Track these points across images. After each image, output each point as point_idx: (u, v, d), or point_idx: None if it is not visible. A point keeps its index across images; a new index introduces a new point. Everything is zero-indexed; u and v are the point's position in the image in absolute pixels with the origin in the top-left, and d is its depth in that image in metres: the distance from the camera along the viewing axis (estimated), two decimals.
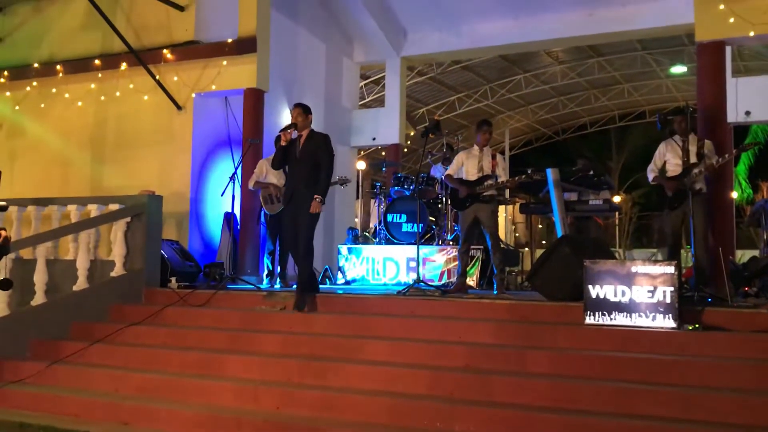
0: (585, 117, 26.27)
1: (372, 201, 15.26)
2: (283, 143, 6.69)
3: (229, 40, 9.67)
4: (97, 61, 10.23)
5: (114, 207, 7.76)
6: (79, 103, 10.45)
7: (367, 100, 19.21)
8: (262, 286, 8.14)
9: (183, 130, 9.87)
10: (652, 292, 5.44)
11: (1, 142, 11.13)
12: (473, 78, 20.40)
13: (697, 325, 5.33)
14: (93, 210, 7.83)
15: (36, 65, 10.78)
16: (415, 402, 5.03)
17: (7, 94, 11.08)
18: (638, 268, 5.55)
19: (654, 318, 5.41)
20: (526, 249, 14.52)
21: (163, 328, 6.84)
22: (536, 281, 6.55)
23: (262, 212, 8.51)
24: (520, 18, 11.88)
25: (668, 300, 5.38)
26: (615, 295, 5.55)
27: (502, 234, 12.37)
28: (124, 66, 10.00)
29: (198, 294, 7.38)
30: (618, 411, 4.59)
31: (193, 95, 9.81)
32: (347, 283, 9.28)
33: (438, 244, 9.09)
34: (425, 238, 9.24)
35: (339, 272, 9.51)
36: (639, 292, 5.48)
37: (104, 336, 6.68)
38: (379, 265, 9.22)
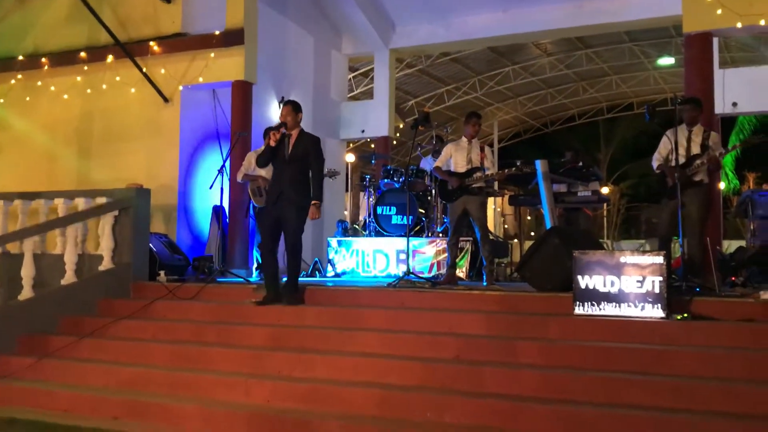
0: (573, 109, 26.34)
1: (362, 193, 15.27)
2: (272, 143, 6.52)
3: (217, 33, 9.62)
4: (83, 54, 10.15)
5: (102, 200, 7.70)
6: (65, 96, 10.37)
7: (356, 92, 19.18)
8: (251, 279, 8.12)
9: (170, 123, 9.82)
10: (641, 282, 5.46)
11: None
12: (462, 70, 20.40)
13: (685, 315, 5.36)
14: (80, 204, 7.78)
15: (21, 58, 10.67)
16: (406, 393, 5.03)
17: None
18: (627, 258, 5.58)
19: (643, 308, 5.44)
20: (515, 240, 14.55)
21: (152, 322, 6.81)
22: (526, 272, 6.57)
23: (251, 205, 8.48)
24: (510, 10, 11.88)
25: (657, 290, 5.40)
26: (604, 286, 5.57)
27: (491, 225, 12.42)
28: (110, 59, 9.92)
29: (187, 287, 7.36)
30: (607, 401, 4.61)
31: (181, 88, 9.75)
32: (337, 275, 9.28)
33: (428, 236, 9.10)
34: (415, 230, 9.25)
35: (329, 265, 9.50)
36: (628, 283, 5.50)
37: (93, 330, 6.65)
38: (369, 258, 9.23)
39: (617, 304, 5.52)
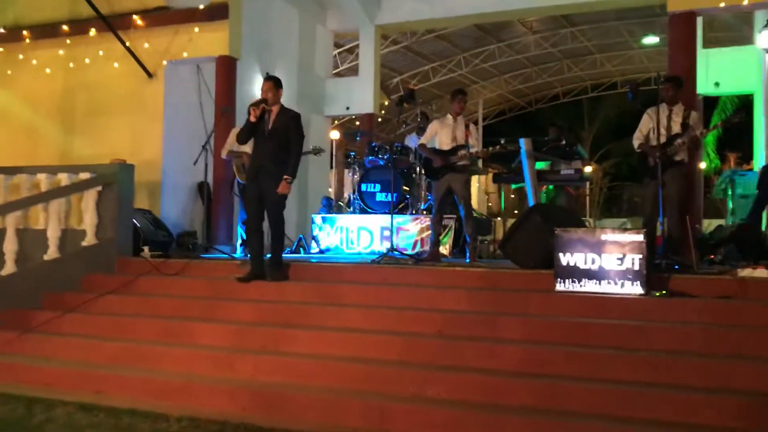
0: (558, 87, 26.36)
1: (345, 170, 15.27)
2: (252, 119, 6.47)
3: (201, 6, 9.52)
4: (65, 27, 10.00)
5: (85, 176, 7.65)
6: (47, 70, 10.23)
7: (341, 68, 19.06)
8: (236, 255, 8.14)
9: (154, 98, 9.74)
10: (621, 259, 5.54)
11: None
12: (447, 47, 20.32)
13: (664, 292, 5.45)
14: (63, 179, 7.73)
15: (1, 30, 10.50)
16: (389, 368, 5.10)
17: None
18: (608, 236, 5.65)
19: (623, 285, 5.52)
20: (498, 219, 14.62)
21: (136, 297, 6.82)
22: (508, 249, 6.64)
23: (236, 182, 8.47)
24: None
25: (637, 267, 5.48)
26: (585, 263, 5.64)
27: (475, 203, 12.46)
28: (93, 32, 9.79)
29: (171, 263, 7.36)
30: (587, 375, 4.70)
31: (165, 63, 9.66)
32: (321, 252, 9.31)
33: (411, 214, 9.14)
34: (399, 207, 9.28)
35: (313, 241, 9.53)
36: (608, 260, 5.58)
37: (76, 305, 6.64)
38: (353, 234, 9.26)
39: (598, 281, 5.60)
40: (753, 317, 5.11)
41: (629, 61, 22.75)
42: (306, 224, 11.14)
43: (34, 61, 10.35)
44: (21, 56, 10.42)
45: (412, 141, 10.03)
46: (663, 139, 6.61)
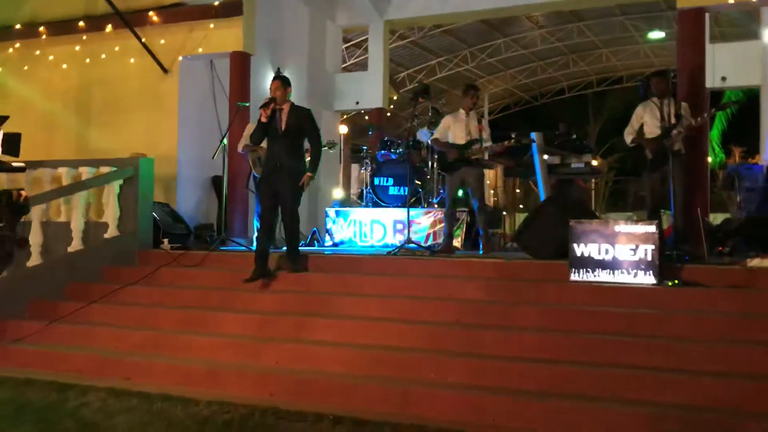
0: (563, 82, 26.44)
1: (353, 165, 15.40)
2: (263, 119, 6.56)
3: (216, 3, 9.64)
4: (81, 23, 10.14)
5: (106, 170, 7.83)
6: (64, 66, 10.37)
7: (348, 63, 19.18)
8: (253, 248, 8.29)
9: (170, 94, 9.87)
10: (634, 250, 5.71)
11: None
12: (454, 42, 20.43)
13: (676, 281, 5.61)
14: (85, 172, 7.90)
15: (18, 26, 10.65)
16: (410, 354, 5.28)
17: None
18: (621, 227, 5.82)
19: (636, 275, 5.69)
20: (505, 212, 14.78)
21: (158, 288, 7.00)
22: (523, 240, 6.80)
23: (251, 175, 8.62)
24: None
25: (649, 258, 5.65)
26: (599, 253, 5.82)
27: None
28: (109, 28, 9.92)
29: (191, 255, 7.54)
30: (601, 361, 4.87)
31: (180, 58, 9.81)
32: (335, 245, 9.46)
33: (423, 207, 9.29)
34: (411, 201, 9.42)
35: (327, 234, 9.68)
36: (622, 251, 5.75)
37: (101, 296, 6.83)
38: (366, 228, 9.40)
39: (611, 271, 5.77)
40: (762, 305, 5.27)
41: (635, 55, 22.83)
42: (317, 217, 11.30)
43: (51, 57, 10.49)
44: (38, 52, 10.55)
45: (423, 135, 10.16)
46: (658, 132, 6.79)
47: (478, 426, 4.36)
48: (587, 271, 5.83)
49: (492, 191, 18.91)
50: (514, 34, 20.50)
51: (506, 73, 24.18)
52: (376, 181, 9.58)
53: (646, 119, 6.95)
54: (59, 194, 7.55)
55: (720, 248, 7.79)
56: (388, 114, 17.58)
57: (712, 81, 10.26)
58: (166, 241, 8.07)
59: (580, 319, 5.37)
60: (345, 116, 19.13)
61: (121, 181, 7.71)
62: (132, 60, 9.94)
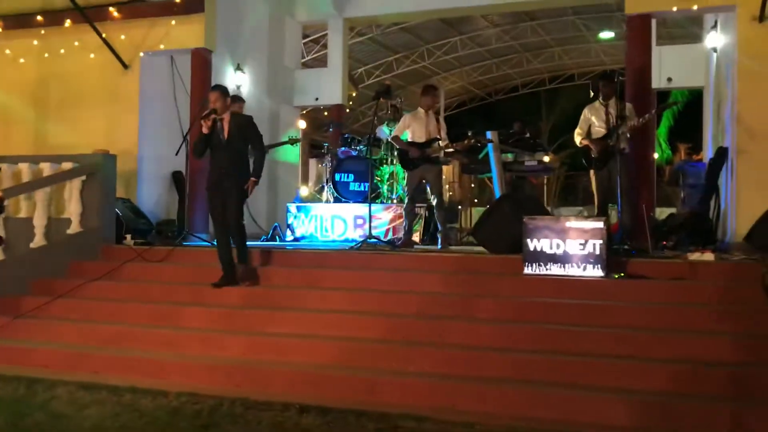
0: (517, 79, 26.96)
1: (312, 160, 15.53)
2: (205, 131, 6.54)
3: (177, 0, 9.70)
4: (39, 18, 10.06)
5: (68, 165, 7.85)
6: (22, 60, 10.28)
7: (307, 59, 19.27)
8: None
9: (130, 89, 9.88)
10: (584, 245, 6.04)
11: None
12: (411, 39, 20.71)
13: (622, 274, 5.97)
14: (46, 168, 7.91)
15: None
16: (373, 345, 5.52)
17: None
18: (571, 223, 6.16)
19: (585, 268, 6.03)
20: (459, 207, 15.10)
21: (124, 283, 7.09)
22: (480, 235, 7.10)
23: None
24: None
25: (598, 252, 6.00)
26: (551, 248, 6.14)
27: None
28: (68, 23, 9.87)
29: (155, 250, 7.62)
30: (555, 349, 5.19)
31: (141, 54, 9.83)
32: (296, 240, 9.63)
33: (383, 203, 9.52)
34: (372, 196, 9.63)
35: (288, 229, 9.83)
36: (572, 245, 6.08)
37: (66, 291, 6.89)
38: (327, 223, 9.59)
39: (562, 265, 6.10)
40: (702, 296, 5.66)
41: (586, 54, 23.45)
42: (276, 213, 11.43)
43: (8, 51, 10.36)
44: None
45: (382, 132, 10.39)
46: (604, 132, 7.15)
47: (439, 411, 4.59)
48: (540, 265, 6.15)
49: (447, 186, 19.29)
50: (470, 32, 20.88)
51: (462, 70, 24.58)
52: (337, 177, 9.77)
53: (593, 120, 7.31)
54: (22, 190, 7.54)
55: (664, 242, 8.23)
56: (348, 110, 17.75)
57: (658, 81, 10.75)
58: (128, 236, 8.13)
59: (534, 310, 5.68)
60: (304, 111, 19.25)
61: (83, 177, 7.73)
62: (92, 55, 9.91)
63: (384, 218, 9.28)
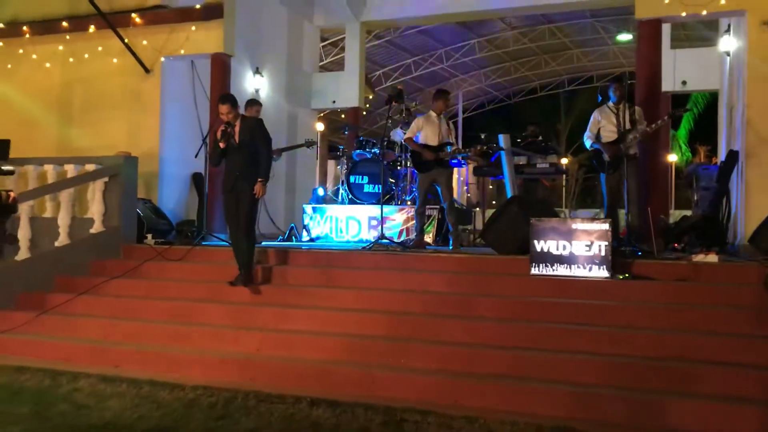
0: (535, 81, 27.05)
1: (329, 162, 15.80)
2: (222, 145, 6.71)
3: (197, 6, 9.96)
4: (64, 23, 10.39)
5: (90, 167, 8.13)
6: (47, 65, 10.61)
7: (325, 62, 19.52)
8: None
9: (151, 93, 10.16)
10: (590, 246, 6.18)
11: None
12: (429, 42, 20.90)
13: (627, 275, 6.10)
14: (70, 170, 8.19)
15: (1, 26, 10.85)
16: (380, 342, 5.70)
17: None
18: (578, 225, 6.29)
19: (590, 269, 6.16)
20: (477, 209, 15.23)
21: (144, 281, 7.33)
22: (488, 237, 7.25)
23: None
24: None
25: (603, 253, 6.13)
26: (557, 249, 6.28)
27: (455, 194, 13.03)
28: (92, 29, 10.18)
29: (174, 249, 7.86)
30: (556, 347, 5.33)
31: (162, 59, 10.10)
32: (312, 240, 9.82)
33: (397, 204, 9.69)
34: (385, 198, 9.81)
35: (304, 230, 10.04)
36: (578, 246, 6.21)
37: (88, 288, 7.15)
38: (342, 224, 9.78)
39: (568, 266, 6.24)
40: (704, 297, 5.77)
41: (604, 56, 23.48)
42: (294, 214, 11.65)
43: (34, 56, 10.71)
44: (21, 51, 10.77)
45: (397, 135, 10.55)
46: (615, 136, 7.23)
47: (443, 406, 4.76)
48: (546, 266, 6.29)
49: (465, 188, 19.39)
50: (488, 34, 21.01)
51: (480, 72, 24.70)
52: (352, 179, 9.96)
53: (603, 124, 7.39)
54: (47, 191, 7.83)
55: (675, 244, 8.31)
56: (364, 112, 17.96)
57: (673, 84, 10.82)
58: (149, 236, 8.39)
59: (539, 310, 5.83)
60: (321, 114, 19.49)
61: (106, 179, 8.01)
62: (115, 60, 10.21)
63: (398, 220, 9.44)
